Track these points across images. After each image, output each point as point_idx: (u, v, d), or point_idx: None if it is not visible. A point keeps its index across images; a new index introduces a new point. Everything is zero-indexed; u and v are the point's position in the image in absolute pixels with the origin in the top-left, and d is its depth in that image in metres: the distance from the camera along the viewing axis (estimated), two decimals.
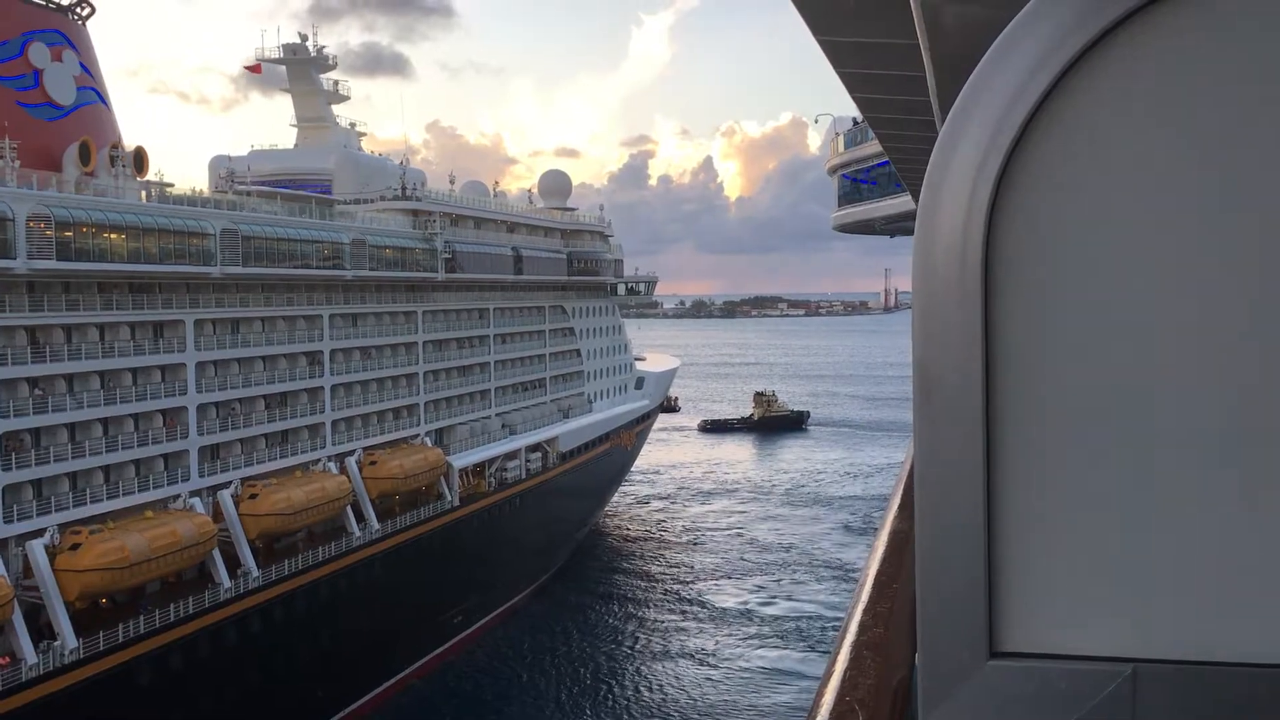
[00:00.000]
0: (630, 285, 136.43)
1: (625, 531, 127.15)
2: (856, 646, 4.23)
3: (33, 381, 56.65)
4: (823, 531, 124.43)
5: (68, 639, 53.32)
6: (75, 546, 55.26)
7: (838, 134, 62.60)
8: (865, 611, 4.67)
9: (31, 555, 53.86)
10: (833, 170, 59.89)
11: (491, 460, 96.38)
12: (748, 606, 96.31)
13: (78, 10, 71.63)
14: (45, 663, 51.94)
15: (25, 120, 62.46)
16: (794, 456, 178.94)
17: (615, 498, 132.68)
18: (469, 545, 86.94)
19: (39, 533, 54.73)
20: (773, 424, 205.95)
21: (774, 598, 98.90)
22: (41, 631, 53.10)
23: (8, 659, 51.01)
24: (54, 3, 69.72)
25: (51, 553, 54.52)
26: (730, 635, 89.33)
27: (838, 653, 4.22)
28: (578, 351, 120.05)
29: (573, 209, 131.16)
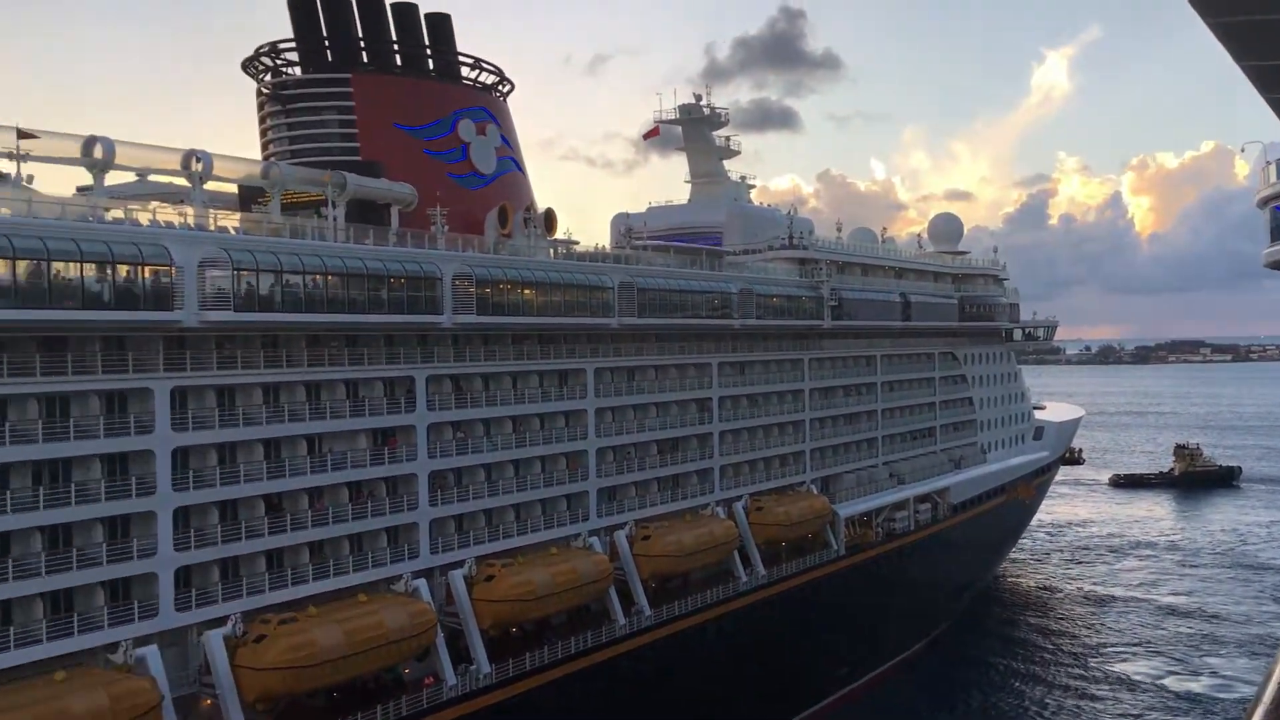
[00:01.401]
0: (1027, 330, 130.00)
1: (1025, 587, 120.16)
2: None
3: (455, 425, 62.39)
4: (1255, 601, 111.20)
5: (482, 664, 57.85)
6: (490, 578, 59.97)
7: (1269, 163, 56.28)
8: None
9: (453, 584, 59.07)
10: (1264, 202, 53.82)
11: (879, 510, 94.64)
12: (1163, 680, 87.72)
13: (499, 88, 78.94)
14: (463, 685, 56.63)
15: (454, 189, 69.52)
16: (1222, 517, 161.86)
17: (1013, 552, 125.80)
18: (856, 596, 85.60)
19: (459, 564, 59.92)
20: (1197, 480, 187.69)
21: (1195, 673, 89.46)
22: (459, 655, 57.89)
23: (432, 679, 56.09)
24: (479, 83, 77.30)
25: (469, 583, 59.52)
26: (1143, 710, 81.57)
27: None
28: (970, 399, 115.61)
29: (964, 252, 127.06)
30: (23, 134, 47.56)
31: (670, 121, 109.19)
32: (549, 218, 76.06)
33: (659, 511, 74.87)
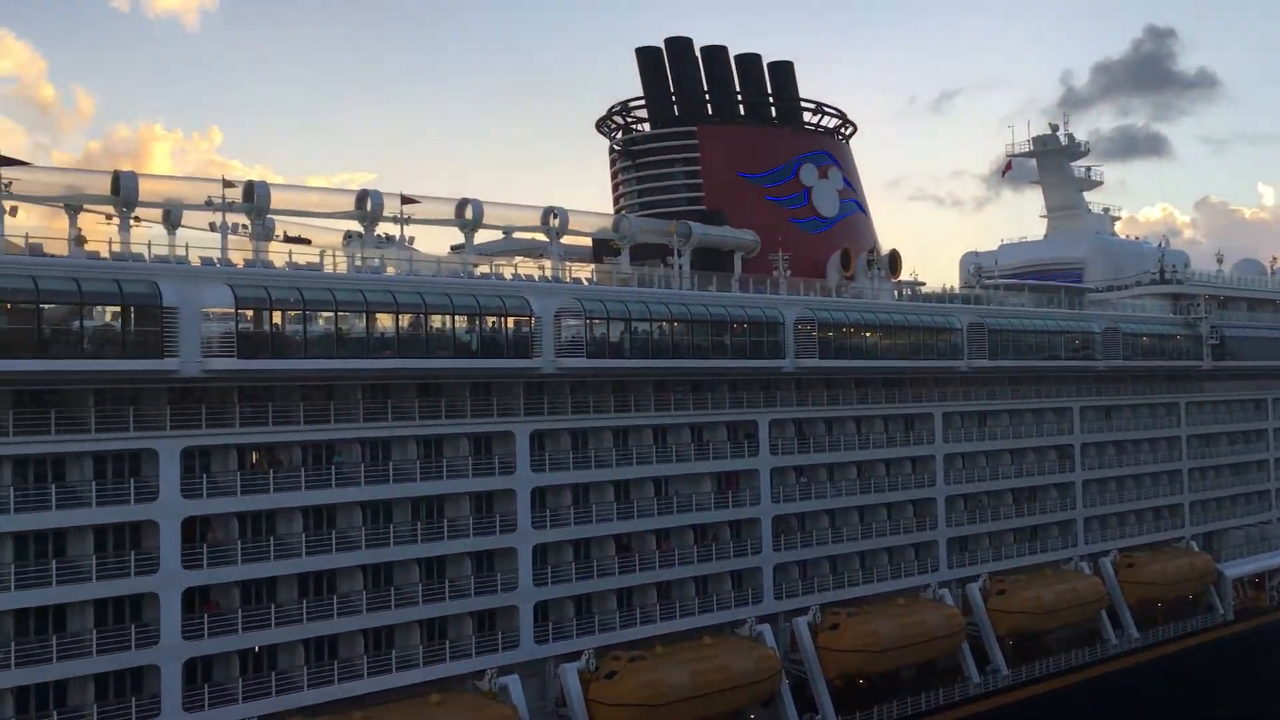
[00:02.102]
0: None
1: None
2: None
3: (799, 470, 62.05)
4: None
5: (828, 715, 56.68)
6: (835, 627, 58.85)
7: None
8: None
9: (797, 631, 58.45)
10: None
11: (1273, 572, 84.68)
12: None
13: (841, 131, 78.67)
14: None
15: (795, 234, 69.73)
16: None
17: None
18: (1245, 668, 76.82)
19: (803, 611, 59.26)
20: None
21: None
22: (804, 704, 57.03)
23: None
24: (822, 127, 77.40)
25: (814, 630, 58.67)
26: None
27: None
28: None
29: None
30: (406, 199, 52.50)
31: (1024, 154, 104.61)
32: (893, 259, 74.61)
33: (1015, 564, 70.84)
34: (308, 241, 52.70)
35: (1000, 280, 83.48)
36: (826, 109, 76.93)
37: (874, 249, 74.68)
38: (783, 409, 61.01)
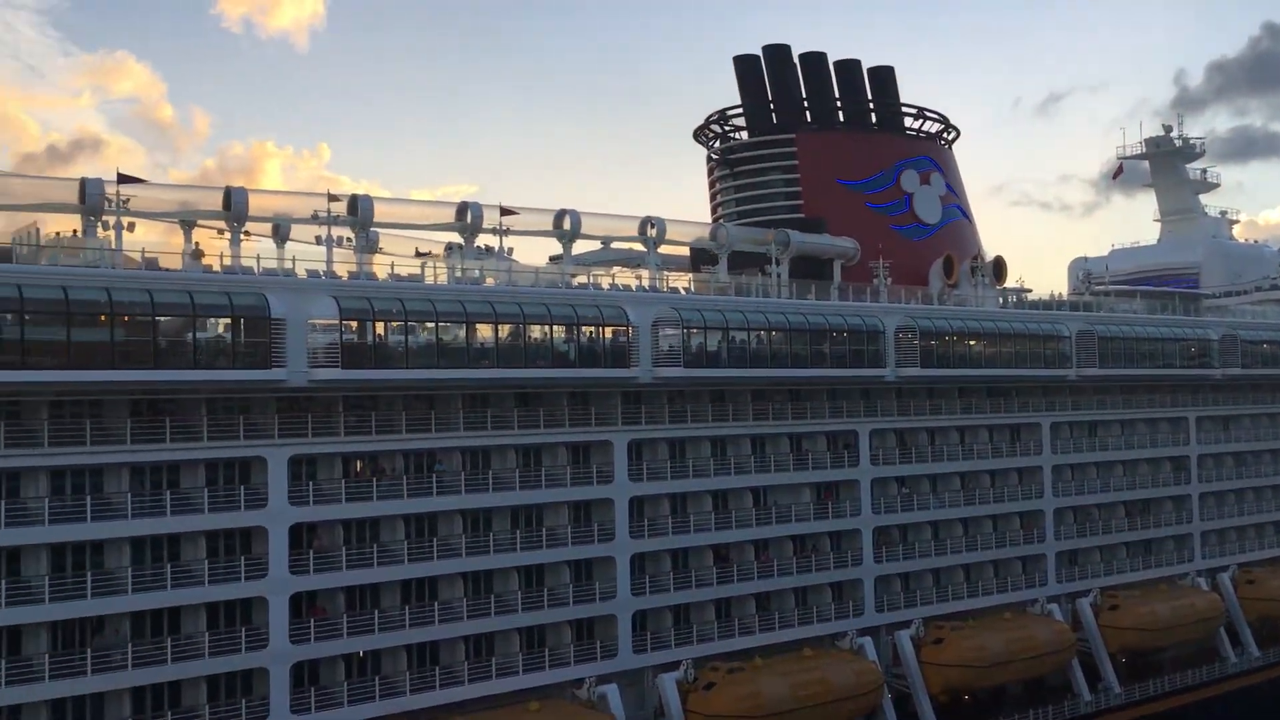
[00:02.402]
0: None
1: None
2: None
3: (900, 480, 61.05)
4: None
5: None
6: (939, 641, 57.63)
7: None
8: None
9: (900, 645, 57.45)
10: None
11: None
12: None
13: (944, 136, 77.39)
14: None
15: (897, 241, 68.75)
16: None
17: None
18: None
19: (906, 624, 58.22)
20: None
21: None
22: (908, 719, 55.98)
23: None
24: (923, 132, 76.26)
25: (917, 644, 57.59)
26: None
27: None
28: None
29: None
30: (504, 211, 53.15)
31: (1136, 157, 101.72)
32: (998, 266, 73.02)
33: (1128, 579, 68.69)
34: (430, 255, 53.17)
35: (1111, 286, 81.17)
36: (928, 114, 75.83)
37: (978, 255, 73.22)
38: (884, 418, 60.10)
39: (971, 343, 62.75)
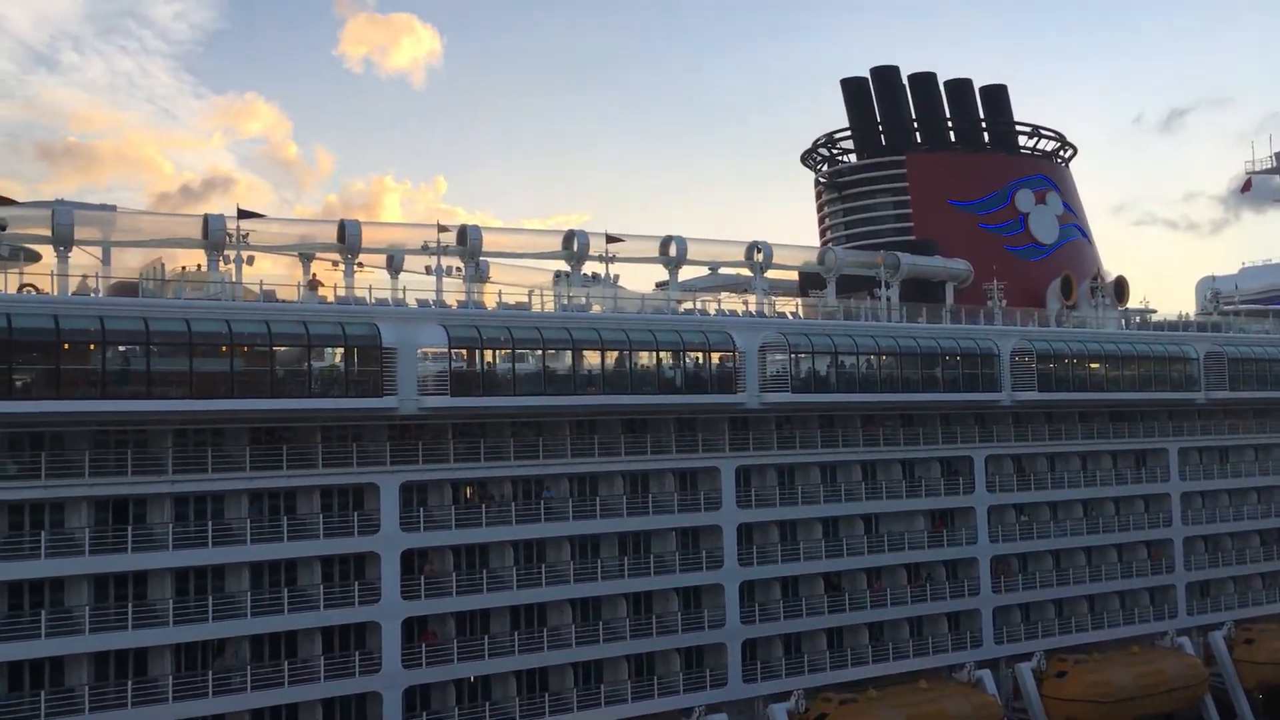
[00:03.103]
0: None
1: None
2: None
3: (1019, 508, 59.28)
4: None
5: None
6: (1061, 674, 55.64)
7: None
8: None
9: (1020, 678, 55.59)
10: None
11: None
12: None
13: (1060, 154, 75.40)
14: None
15: (1011, 262, 67.08)
16: None
17: None
18: None
19: (1026, 656, 56.32)
20: None
21: None
22: None
23: None
24: (1038, 151, 74.41)
25: (1039, 677, 55.61)
26: None
27: None
28: None
29: None
30: (611, 238, 53.44)
31: (1267, 171, 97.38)
32: (1119, 286, 70.68)
33: (1265, 612, 65.37)
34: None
35: (1241, 305, 77.81)
36: (1043, 132, 74.01)
37: (1098, 275, 71.06)
38: (1000, 444, 58.51)
39: (1093, 365, 60.73)
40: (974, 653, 55.22)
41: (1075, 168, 76.14)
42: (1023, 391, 57.25)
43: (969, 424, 57.77)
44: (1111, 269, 74.33)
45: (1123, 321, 68.75)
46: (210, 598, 39.55)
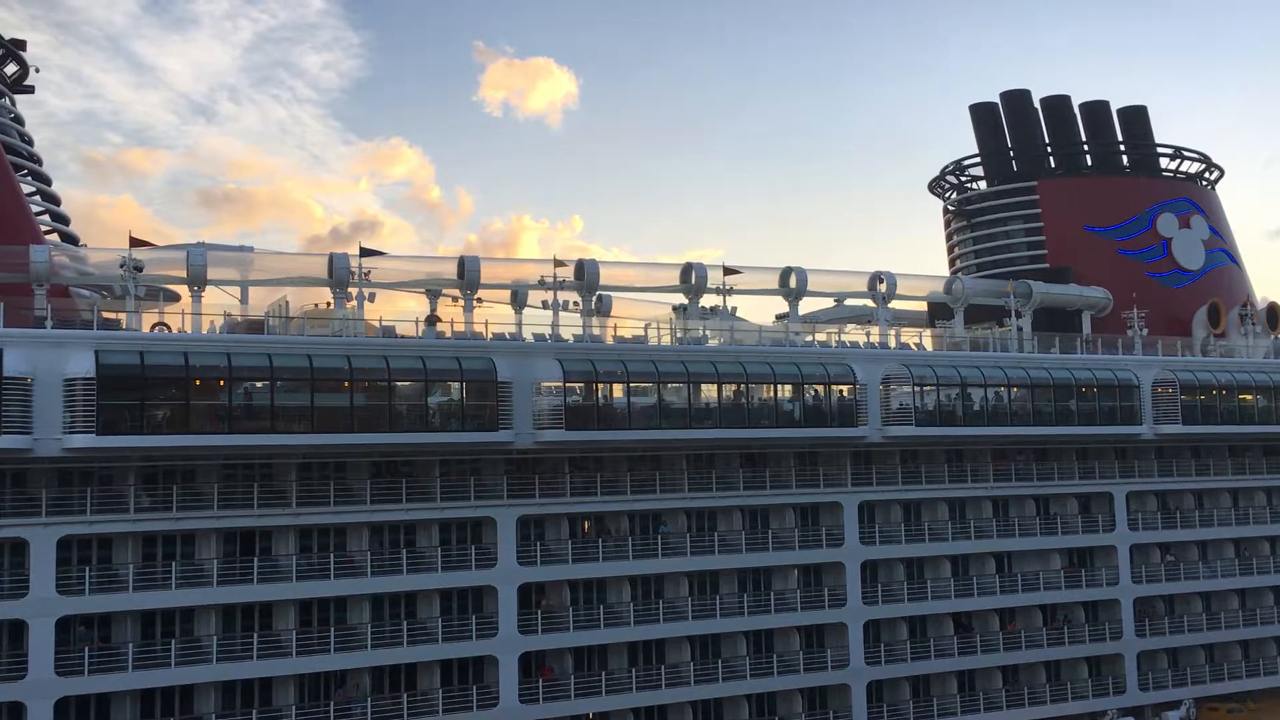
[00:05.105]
0: None
1: None
2: None
3: (1164, 547, 56.26)
4: None
5: None
6: None
7: None
8: None
9: None
10: None
11: None
12: None
13: (1205, 176, 72.05)
14: None
15: (1153, 289, 64.13)
16: None
17: None
18: None
19: (1174, 704, 53.19)
20: None
21: None
22: None
23: None
24: (1181, 173, 71.23)
25: None
26: None
27: None
28: None
29: None
30: (728, 271, 53.00)
31: None
32: (1272, 313, 66.84)
33: None
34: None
35: None
36: (1186, 153, 70.87)
37: (1248, 302, 67.37)
38: (1142, 479, 55.70)
39: (1244, 397, 57.39)
40: (1117, 699, 52.48)
41: (1225, 190, 72.79)
42: (1166, 424, 54.41)
43: (1108, 458, 55.19)
44: (1266, 295, 70.37)
45: (1275, 350, 64.87)
46: (333, 629, 40.22)
